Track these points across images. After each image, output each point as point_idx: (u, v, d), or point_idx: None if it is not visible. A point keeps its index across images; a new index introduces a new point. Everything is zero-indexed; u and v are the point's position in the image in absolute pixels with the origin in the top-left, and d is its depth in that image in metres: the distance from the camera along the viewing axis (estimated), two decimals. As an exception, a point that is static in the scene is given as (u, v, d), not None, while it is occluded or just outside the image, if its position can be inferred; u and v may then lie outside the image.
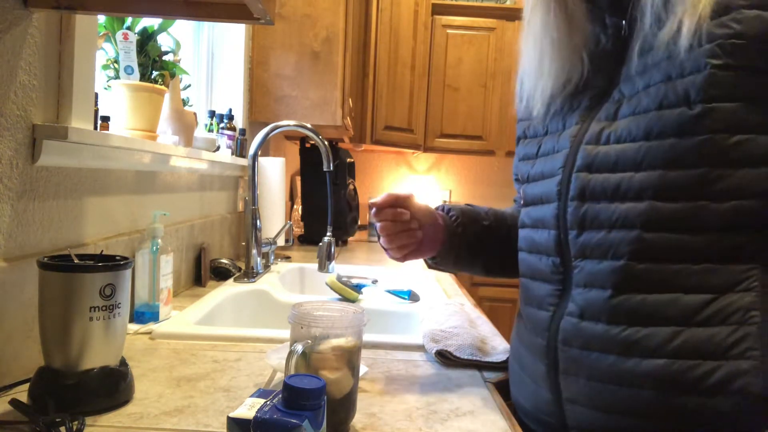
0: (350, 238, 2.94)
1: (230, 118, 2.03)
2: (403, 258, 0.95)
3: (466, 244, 0.98)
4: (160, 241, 1.18)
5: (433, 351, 1.02)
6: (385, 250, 0.96)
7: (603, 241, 0.71)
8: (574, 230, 0.74)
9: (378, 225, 0.92)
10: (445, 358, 1.01)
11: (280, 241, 2.07)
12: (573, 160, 0.75)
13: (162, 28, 1.25)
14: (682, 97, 0.66)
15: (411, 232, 0.92)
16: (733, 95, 0.64)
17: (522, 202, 0.90)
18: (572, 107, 0.79)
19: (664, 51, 0.68)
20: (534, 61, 0.83)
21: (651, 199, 0.67)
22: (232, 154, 2.01)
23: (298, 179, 3.03)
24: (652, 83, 0.69)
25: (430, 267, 1.04)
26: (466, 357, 1.00)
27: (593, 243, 0.72)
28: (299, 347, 0.69)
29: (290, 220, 2.69)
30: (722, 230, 0.66)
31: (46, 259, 0.74)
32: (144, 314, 1.16)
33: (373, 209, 0.91)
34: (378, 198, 0.92)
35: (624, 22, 0.76)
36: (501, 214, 1.02)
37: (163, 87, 1.28)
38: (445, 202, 3.67)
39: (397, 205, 0.92)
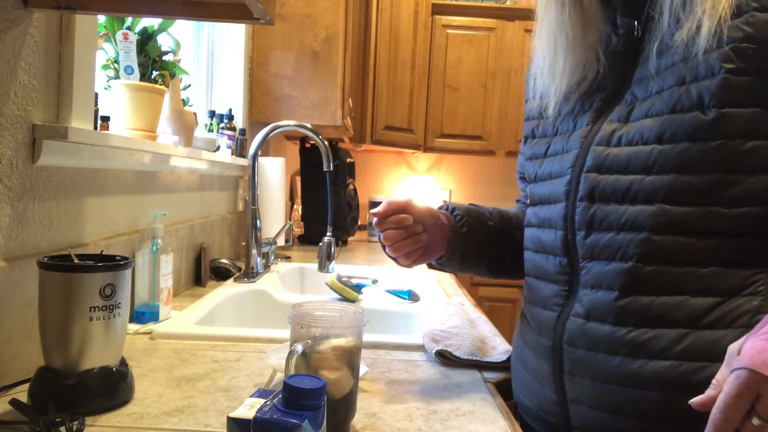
0: (350, 238, 2.94)
1: (230, 118, 2.03)
2: (412, 264, 0.93)
3: (472, 245, 0.96)
4: (160, 241, 1.18)
5: (433, 351, 1.02)
6: (393, 259, 0.93)
7: (611, 243, 0.70)
8: (583, 231, 0.73)
9: (381, 235, 0.90)
10: (445, 358, 1.01)
11: (280, 241, 2.07)
12: (583, 160, 0.75)
13: (162, 28, 1.25)
14: (696, 102, 0.65)
15: (416, 237, 0.90)
16: (747, 101, 0.63)
17: (528, 201, 0.89)
18: (583, 108, 0.79)
19: (681, 52, 0.67)
20: (548, 58, 0.81)
21: (661, 203, 0.67)
22: (232, 154, 2.01)
23: (298, 179, 3.03)
24: (666, 86, 0.68)
25: (432, 267, 1.03)
26: (466, 357, 1.00)
27: (601, 244, 0.71)
28: (299, 347, 0.69)
29: (290, 220, 2.69)
30: (731, 235, 0.65)
31: (46, 259, 0.74)
32: (144, 314, 1.16)
33: (375, 219, 0.89)
34: (378, 208, 0.89)
35: (636, 22, 0.75)
36: (505, 214, 1.02)
37: (163, 87, 1.28)
38: (445, 201, 3.68)
39: (398, 211, 0.89)
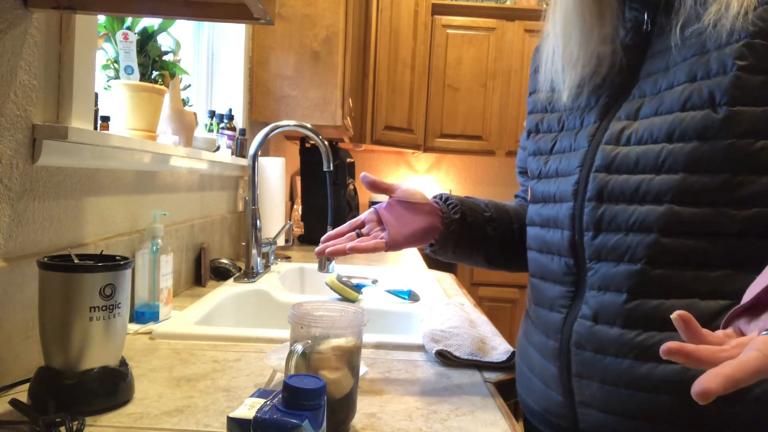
0: (350, 238, 2.93)
1: (230, 118, 2.03)
2: (393, 245, 0.91)
3: (466, 232, 0.95)
4: (160, 241, 1.18)
5: (433, 351, 1.02)
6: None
7: (619, 244, 0.69)
8: (590, 231, 0.72)
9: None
10: (445, 358, 1.01)
11: (280, 241, 2.07)
12: (591, 159, 0.73)
13: (162, 28, 1.25)
14: (707, 99, 0.64)
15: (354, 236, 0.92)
16: (759, 99, 0.62)
17: (529, 197, 0.89)
18: (590, 104, 0.77)
19: (705, 36, 0.65)
20: (560, 47, 0.79)
21: (670, 203, 0.66)
22: (232, 154, 2.01)
23: (298, 179, 3.03)
24: (677, 83, 0.67)
25: (429, 254, 1.00)
26: (466, 357, 1.00)
27: (609, 245, 0.70)
28: (299, 347, 0.69)
29: (290, 220, 2.69)
30: (740, 236, 0.64)
31: (46, 259, 0.74)
32: (144, 314, 1.17)
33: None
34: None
35: (646, 15, 0.74)
36: (502, 206, 1.01)
37: (163, 87, 1.28)
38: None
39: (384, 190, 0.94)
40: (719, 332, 0.49)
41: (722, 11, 0.64)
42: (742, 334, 0.49)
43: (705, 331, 0.47)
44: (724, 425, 0.65)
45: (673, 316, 0.47)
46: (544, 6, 0.83)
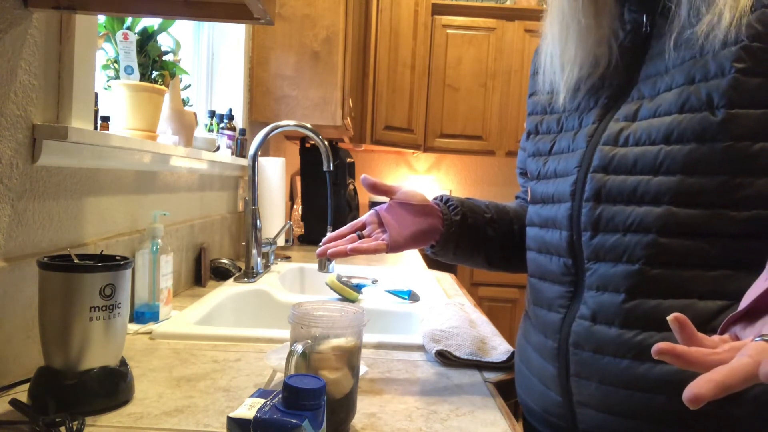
0: (350, 238, 2.93)
1: (230, 118, 2.03)
2: (394, 247, 0.91)
3: (466, 234, 0.95)
4: (160, 241, 1.18)
5: (433, 351, 1.02)
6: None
7: (618, 244, 0.69)
8: (588, 232, 0.72)
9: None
10: (445, 358, 1.01)
11: (280, 241, 2.07)
12: (589, 160, 0.73)
13: (162, 28, 1.25)
14: (705, 102, 0.64)
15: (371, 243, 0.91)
16: (757, 101, 0.62)
17: (528, 198, 0.89)
18: (589, 105, 0.77)
19: (697, 47, 0.65)
20: (559, 47, 0.80)
21: (668, 204, 0.66)
22: (232, 154, 2.01)
23: (298, 179, 3.03)
24: (675, 85, 0.67)
25: (430, 256, 1.00)
26: (466, 357, 1.00)
27: (608, 246, 0.70)
28: (299, 347, 0.69)
29: (290, 220, 2.69)
30: (739, 238, 0.64)
31: (46, 259, 0.74)
32: (144, 314, 1.17)
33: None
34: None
35: (645, 17, 0.74)
36: (503, 207, 1.01)
37: (163, 87, 1.28)
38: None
39: (386, 193, 0.94)
40: (715, 337, 0.49)
41: (714, 22, 0.64)
42: (738, 340, 0.49)
43: (701, 335, 0.47)
44: (722, 425, 0.65)
45: (669, 318, 0.47)
46: (544, 6, 0.83)
